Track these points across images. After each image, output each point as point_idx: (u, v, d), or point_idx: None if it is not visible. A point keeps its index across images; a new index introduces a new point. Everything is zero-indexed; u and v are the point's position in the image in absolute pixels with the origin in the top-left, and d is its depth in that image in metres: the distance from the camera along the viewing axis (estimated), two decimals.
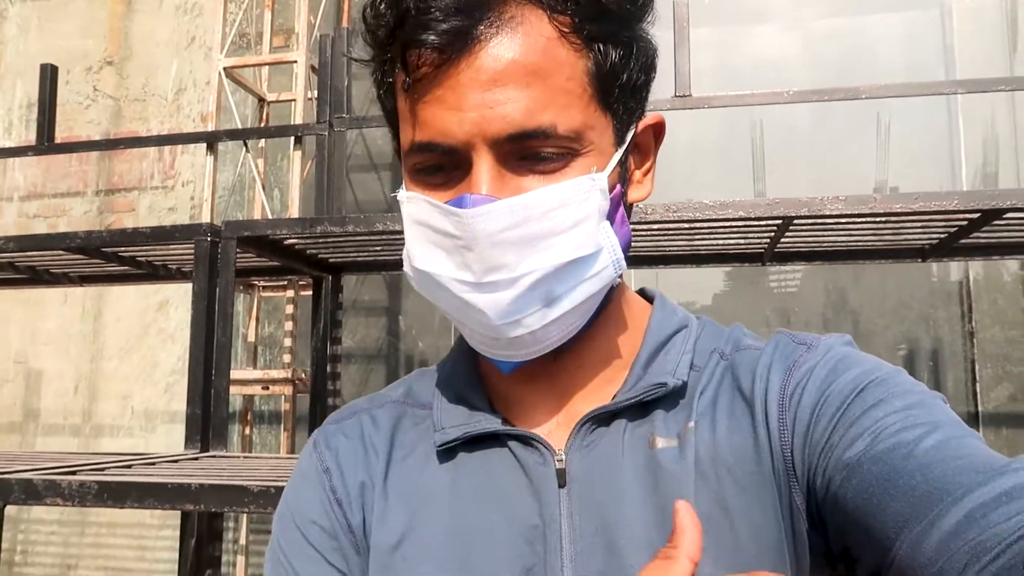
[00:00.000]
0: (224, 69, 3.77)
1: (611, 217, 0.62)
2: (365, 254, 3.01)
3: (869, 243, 2.71)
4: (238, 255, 2.53)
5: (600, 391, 0.66)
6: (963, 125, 4.18)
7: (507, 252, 0.57)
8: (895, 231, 2.53)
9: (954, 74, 4.19)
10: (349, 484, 0.68)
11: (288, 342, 3.86)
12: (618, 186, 0.63)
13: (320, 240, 2.74)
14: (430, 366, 0.78)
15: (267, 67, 4.21)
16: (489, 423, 0.65)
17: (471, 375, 0.70)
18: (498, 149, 0.57)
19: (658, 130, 0.68)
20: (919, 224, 2.44)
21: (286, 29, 5.04)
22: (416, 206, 0.61)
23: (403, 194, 0.63)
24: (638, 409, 0.64)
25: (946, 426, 0.53)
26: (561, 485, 0.61)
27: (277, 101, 4.17)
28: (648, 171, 0.68)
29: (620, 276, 0.64)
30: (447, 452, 0.65)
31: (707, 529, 0.56)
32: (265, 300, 4.27)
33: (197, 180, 4.92)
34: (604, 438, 0.63)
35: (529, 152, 0.58)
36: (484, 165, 0.57)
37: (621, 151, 0.63)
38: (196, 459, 2.27)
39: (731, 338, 0.68)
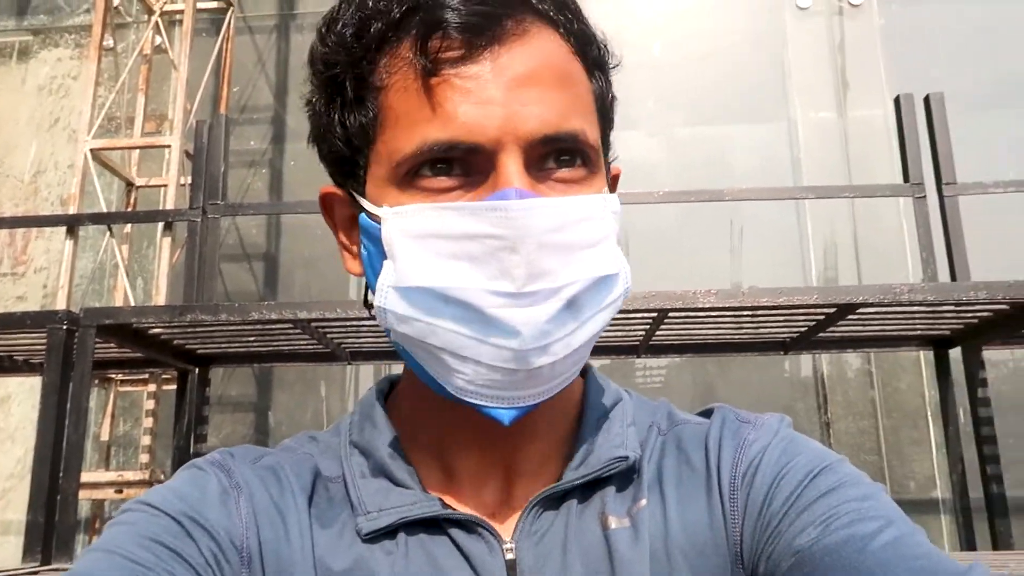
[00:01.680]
0: (91, 151, 3.61)
1: None
2: (237, 345, 2.88)
3: (737, 336, 2.85)
4: (96, 345, 2.36)
5: (545, 466, 0.60)
6: (811, 228, 4.54)
7: (551, 256, 0.51)
8: (760, 325, 2.67)
9: (801, 181, 4.58)
10: (262, 533, 0.56)
11: (147, 440, 3.59)
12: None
13: (189, 330, 2.60)
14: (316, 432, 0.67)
15: (137, 151, 4.06)
16: (426, 507, 0.57)
17: (395, 445, 0.61)
18: (527, 152, 0.53)
19: (615, 183, 0.65)
20: (782, 318, 2.59)
21: (159, 115, 4.92)
22: (420, 217, 0.53)
23: (388, 210, 0.55)
24: (588, 487, 0.59)
25: (898, 522, 0.52)
26: None
27: (147, 186, 4.01)
28: None
29: None
30: (384, 534, 0.57)
31: None
32: (122, 396, 3.98)
33: (52, 267, 4.61)
34: (556, 522, 0.57)
35: (555, 159, 0.55)
36: (515, 165, 0.52)
37: (607, 183, 0.60)
38: (35, 573, 2.04)
39: (662, 412, 0.65)
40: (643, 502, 0.58)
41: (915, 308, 2.49)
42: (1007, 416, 4.22)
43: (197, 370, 3.05)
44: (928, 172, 3.02)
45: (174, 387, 3.15)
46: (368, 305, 0.67)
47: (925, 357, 4.31)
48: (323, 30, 0.58)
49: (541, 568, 0.56)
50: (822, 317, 2.52)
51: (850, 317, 2.52)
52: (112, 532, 0.55)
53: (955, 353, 2.96)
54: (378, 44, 0.55)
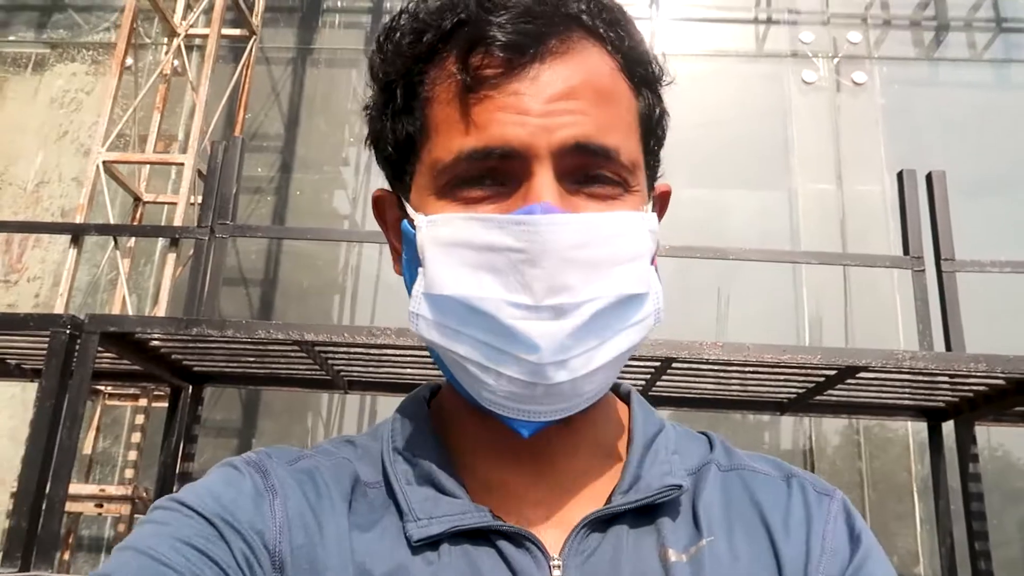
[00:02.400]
0: (103, 163, 3.63)
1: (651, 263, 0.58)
2: (236, 364, 2.86)
3: (736, 394, 2.86)
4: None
5: (593, 487, 0.60)
6: (806, 296, 4.60)
7: (573, 272, 0.52)
8: (759, 383, 2.69)
9: (799, 247, 4.65)
10: (295, 538, 0.55)
11: (132, 455, 3.53)
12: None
13: (190, 344, 2.59)
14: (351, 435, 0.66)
15: (147, 168, 4.08)
16: (478, 517, 0.56)
17: (441, 453, 0.60)
18: (559, 162, 0.53)
19: (665, 200, 0.64)
20: (782, 378, 2.61)
21: (168, 136, 4.96)
22: (451, 226, 0.54)
23: (423, 218, 0.55)
24: (639, 513, 0.57)
25: None
26: None
27: (154, 202, 4.02)
28: None
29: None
30: (423, 544, 0.56)
31: None
32: (106, 411, 3.93)
33: (46, 277, 4.59)
34: (603, 544, 0.56)
35: (587, 172, 0.54)
36: (546, 176, 0.53)
37: (651, 202, 0.60)
38: None
39: (718, 446, 0.65)
40: (704, 542, 0.57)
41: (913, 377, 2.52)
42: (989, 497, 4.24)
43: (191, 388, 3.02)
44: (927, 247, 3.08)
45: (163, 404, 3.12)
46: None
47: (913, 431, 4.33)
48: (382, 38, 0.59)
49: None
50: (822, 379, 2.54)
51: (848, 382, 2.54)
52: (144, 531, 0.54)
53: (946, 428, 3.00)
54: (428, 56, 0.56)
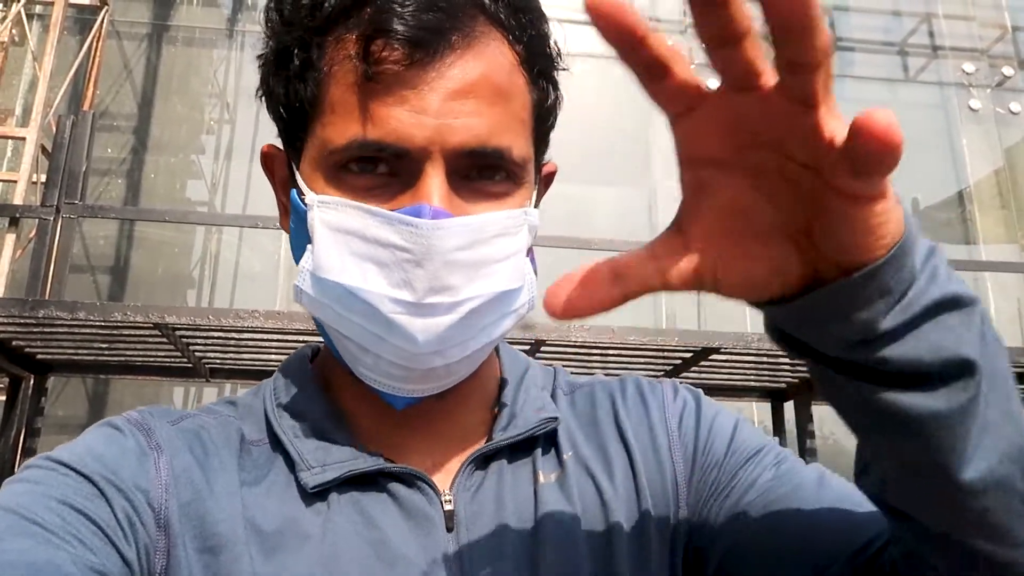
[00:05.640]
0: None
1: (528, 254, 0.61)
2: (85, 352, 2.69)
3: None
4: None
5: (473, 429, 0.64)
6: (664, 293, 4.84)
7: (456, 273, 0.54)
8: (622, 366, 2.82)
9: None
10: (181, 496, 0.55)
11: None
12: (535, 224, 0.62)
13: (35, 329, 2.42)
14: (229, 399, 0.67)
15: None
16: (370, 461, 0.59)
17: (331, 410, 0.62)
18: (452, 163, 0.55)
19: (549, 179, 0.68)
20: (642, 360, 2.74)
21: (4, 109, 4.59)
22: (342, 212, 0.55)
23: (315, 197, 0.56)
24: (516, 448, 0.62)
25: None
26: (448, 529, 0.58)
27: None
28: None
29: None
30: (313, 493, 0.58)
31: (590, 560, 0.59)
32: None
33: None
34: (487, 478, 0.61)
35: (479, 172, 0.56)
36: (437, 178, 0.54)
37: (535, 191, 0.63)
38: None
39: (561, 377, 0.71)
40: (568, 455, 0.63)
41: (759, 359, 2.72)
42: None
43: (33, 378, 2.82)
44: None
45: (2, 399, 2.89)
46: None
47: (756, 415, 4.65)
48: None
49: (478, 520, 0.58)
50: (679, 361, 2.70)
51: (702, 364, 2.71)
52: (14, 490, 0.51)
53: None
54: (328, 26, 0.56)
